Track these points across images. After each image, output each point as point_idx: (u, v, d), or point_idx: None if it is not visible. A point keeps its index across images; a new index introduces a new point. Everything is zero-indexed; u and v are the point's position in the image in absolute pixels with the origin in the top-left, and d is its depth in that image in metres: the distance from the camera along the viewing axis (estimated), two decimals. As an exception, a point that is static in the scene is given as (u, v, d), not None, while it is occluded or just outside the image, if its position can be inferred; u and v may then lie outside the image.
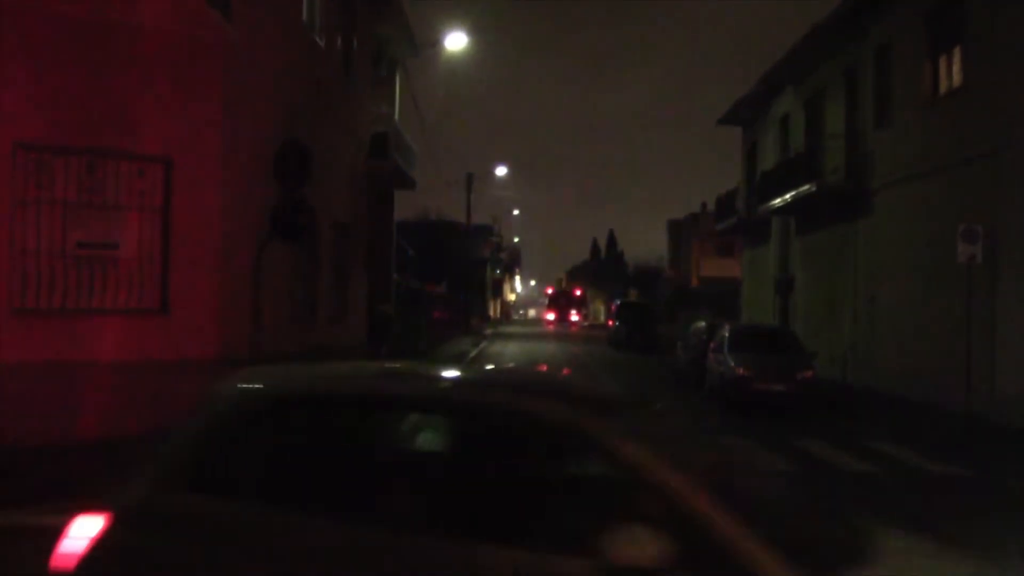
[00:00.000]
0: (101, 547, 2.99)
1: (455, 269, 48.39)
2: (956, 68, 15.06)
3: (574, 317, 77.07)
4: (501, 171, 50.13)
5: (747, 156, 29.30)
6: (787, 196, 20.96)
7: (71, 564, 2.98)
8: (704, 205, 53.79)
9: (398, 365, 4.18)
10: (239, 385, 3.44)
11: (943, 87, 15.56)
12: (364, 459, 3.14)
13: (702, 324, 20.67)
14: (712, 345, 16.85)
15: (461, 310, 46.81)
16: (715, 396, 15.65)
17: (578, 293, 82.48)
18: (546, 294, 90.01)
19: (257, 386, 3.45)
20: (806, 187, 19.80)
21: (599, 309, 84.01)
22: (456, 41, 23.96)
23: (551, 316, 79.40)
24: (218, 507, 3.01)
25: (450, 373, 3.75)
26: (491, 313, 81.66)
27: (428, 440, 3.20)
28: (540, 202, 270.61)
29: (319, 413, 3.23)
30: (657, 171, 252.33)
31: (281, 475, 3.12)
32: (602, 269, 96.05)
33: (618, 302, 41.71)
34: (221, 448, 3.21)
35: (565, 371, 20.65)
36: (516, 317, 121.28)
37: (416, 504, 2.91)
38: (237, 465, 3.19)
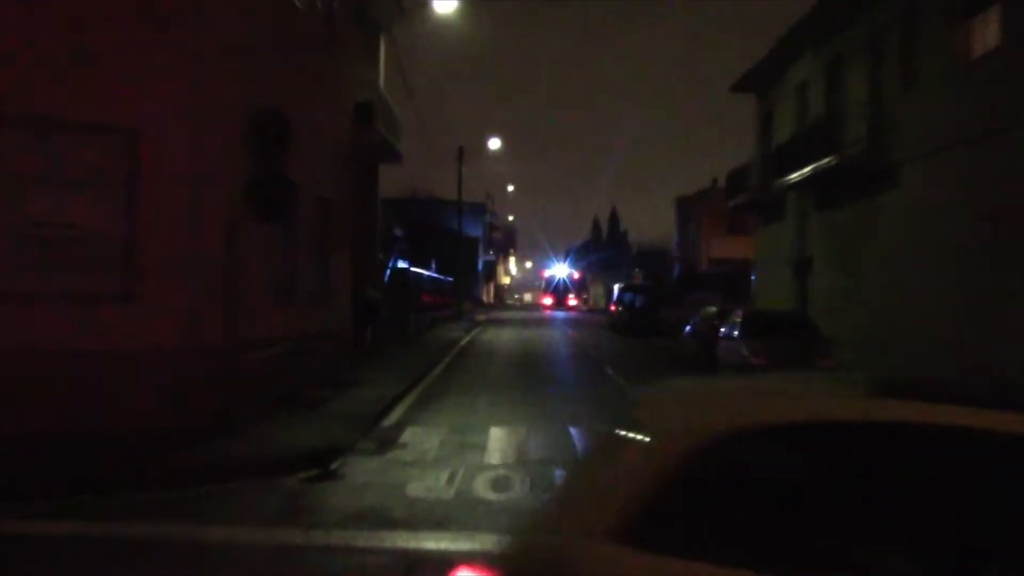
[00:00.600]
0: None
1: (445, 250, 48.30)
2: (993, 29, 14.90)
3: (572, 301, 77.35)
4: (495, 144, 49.92)
5: (762, 127, 29.19)
6: (805, 170, 20.88)
7: None
8: (715, 181, 53.58)
9: (859, 378, 3.49)
10: (683, 417, 2.94)
11: (977, 50, 15.41)
12: (871, 505, 2.57)
13: (712, 309, 20.69)
14: (723, 331, 16.84)
15: (452, 294, 46.78)
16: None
17: (577, 276, 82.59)
18: (543, 277, 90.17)
19: (714, 418, 2.90)
20: (826, 160, 19.71)
21: (600, 293, 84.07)
22: (445, 3, 23.75)
23: (548, 300, 79.71)
24: (654, 565, 2.54)
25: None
26: (484, 297, 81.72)
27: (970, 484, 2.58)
28: (537, 178, 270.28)
29: (799, 449, 2.69)
30: (664, 144, 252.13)
31: (744, 526, 2.60)
32: (604, 250, 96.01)
33: (621, 285, 41.69)
34: (655, 492, 2.72)
35: None
36: (511, 302, 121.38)
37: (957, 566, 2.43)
38: (675, 512, 2.68)
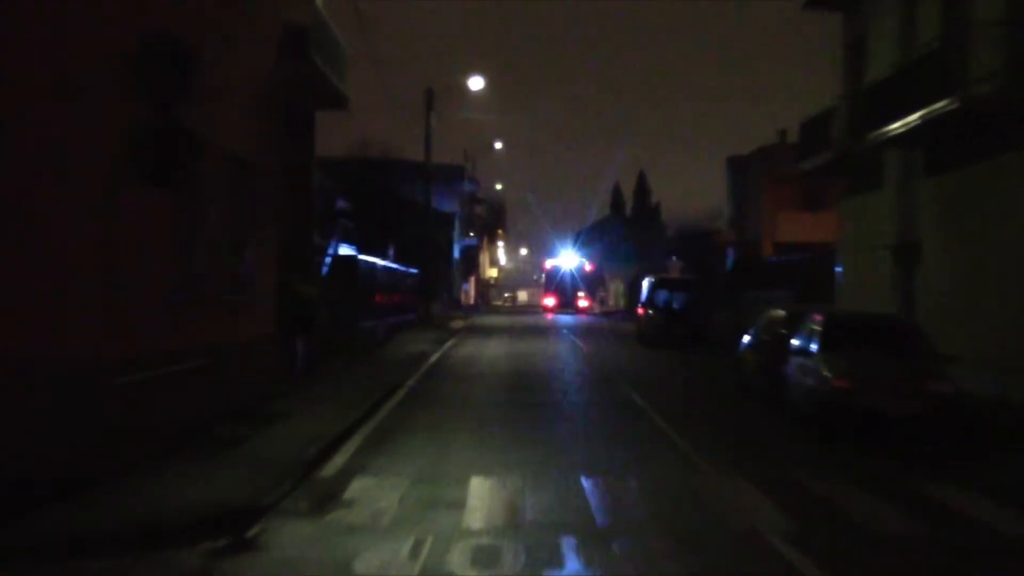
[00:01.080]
0: None
1: (408, 231, 48.25)
2: None
3: (584, 302, 77.53)
4: (476, 84, 49.79)
5: (850, 58, 29.20)
6: (912, 117, 20.83)
7: None
8: (784, 134, 53.77)
9: None
10: None
11: None
12: None
13: (780, 313, 20.70)
14: (795, 344, 16.87)
15: (417, 292, 46.76)
16: (800, 418, 15.74)
17: (590, 267, 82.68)
18: (544, 269, 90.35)
19: None
20: (942, 103, 19.66)
21: (622, 290, 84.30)
22: None
23: (550, 301, 79.87)
24: None
25: None
26: (462, 296, 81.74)
27: None
28: (536, 132, 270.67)
29: None
30: (709, 86, 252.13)
31: None
32: (628, 231, 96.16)
33: (651, 280, 41.72)
34: None
35: None
36: (500, 302, 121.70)
37: None
38: None
